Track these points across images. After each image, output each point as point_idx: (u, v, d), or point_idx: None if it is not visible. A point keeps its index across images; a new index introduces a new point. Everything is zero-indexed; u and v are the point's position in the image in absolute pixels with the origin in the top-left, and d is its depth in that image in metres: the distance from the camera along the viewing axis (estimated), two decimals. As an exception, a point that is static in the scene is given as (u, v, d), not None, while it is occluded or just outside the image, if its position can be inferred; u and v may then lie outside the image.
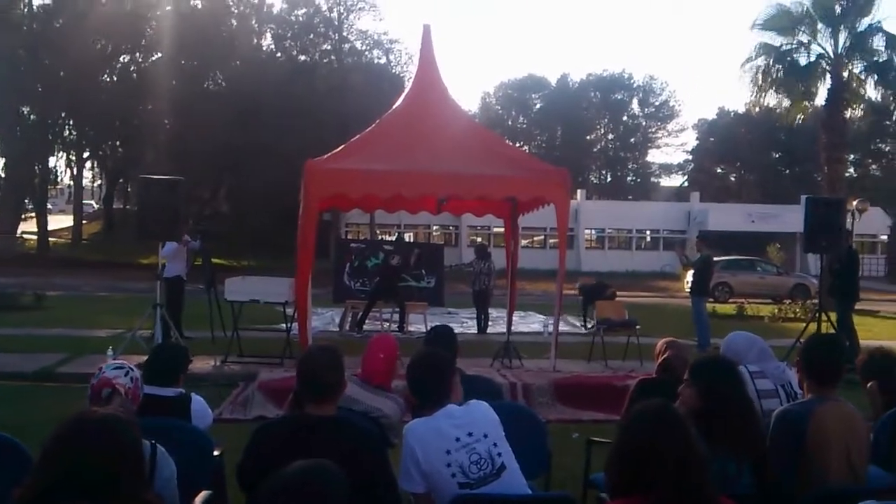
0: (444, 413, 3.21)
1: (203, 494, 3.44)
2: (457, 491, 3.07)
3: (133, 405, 3.36)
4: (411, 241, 38.10)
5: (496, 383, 5.23)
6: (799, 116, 25.78)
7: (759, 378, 4.48)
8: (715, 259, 14.93)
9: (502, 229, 15.44)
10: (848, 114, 26.07)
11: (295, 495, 2.02)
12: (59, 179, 44.57)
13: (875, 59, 23.97)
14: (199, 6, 39.40)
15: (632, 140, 69.42)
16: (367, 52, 44.39)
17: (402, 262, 14.70)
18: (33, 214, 39.69)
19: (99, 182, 50.61)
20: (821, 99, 24.92)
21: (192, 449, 3.57)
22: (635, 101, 69.57)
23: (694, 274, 13.80)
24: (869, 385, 4.24)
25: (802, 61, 24.39)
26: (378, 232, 38.44)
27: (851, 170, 52.53)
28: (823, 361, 3.84)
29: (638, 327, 11.81)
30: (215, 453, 3.95)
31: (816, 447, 3.44)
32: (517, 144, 60.28)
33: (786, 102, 25.12)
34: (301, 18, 43.43)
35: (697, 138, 68.01)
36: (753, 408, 3.54)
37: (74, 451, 2.04)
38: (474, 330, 15.06)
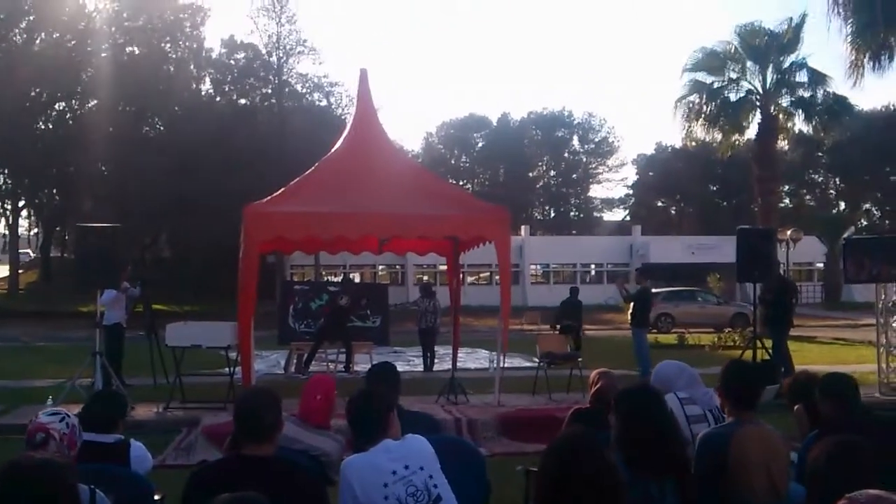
0: (381, 448, 3.28)
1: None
2: (395, 524, 3.13)
3: (70, 451, 3.37)
4: (357, 281, 38.09)
5: (435, 418, 5.31)
6: (730, 150, 26.69)
7: (689, 404, 4.62)
8: (656, 291, 15.29)
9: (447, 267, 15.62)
10: (779, 146, 27.03)
11: None
12: (-7, 229, 43.54)
13: (801, 93, 25.04)
14: (136, 52, 39.13)
15: (573, 176, 70.55)
16: (307, 95, 44.51)
17: (350, 303, 14.69)
18: (-33, 265, 38.72)
19: (35, 230, 49.57)
20: (752, 133, 25.92)
21: (132, 493, 3.56)
22: (576, 138, 70.86)
23: (633, 306, 14.06)
24: (795, 408, 4.43)
25: (733, 97, 25.36)
26: (323, 273, 38.28)
27: (787, 200, 54.22)
28: (741, 386, 4.02)
29: (580, 360, 11.99)
30: (156, 497, 3.94)
31: (738, 468, 3.56)
32: (460, 183, 60.94)
33: (718, 136, 25.94)
34: (241, 62, 43.45)
35: (637, 173, 69.43)
36: (674, 431, 3.64)
37: (9, 495, 2.07)
38: (421, 368, 15.10)
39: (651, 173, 65.70)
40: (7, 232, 45.35)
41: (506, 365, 11.18)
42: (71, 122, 38.24)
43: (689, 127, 25.32)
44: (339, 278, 39.23)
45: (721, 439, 3.69)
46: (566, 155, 70.64)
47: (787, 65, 24.89)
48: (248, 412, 3.24)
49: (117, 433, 4.11)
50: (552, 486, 2.53)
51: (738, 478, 3.55)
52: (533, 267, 46.41)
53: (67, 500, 2.20)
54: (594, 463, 2.53)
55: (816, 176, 61.62)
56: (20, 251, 46.86)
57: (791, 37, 24.49)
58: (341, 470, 3.28)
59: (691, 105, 25.13)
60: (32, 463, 2.20)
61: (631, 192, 70.37)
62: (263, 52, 42.28)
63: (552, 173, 71.51)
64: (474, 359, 16.86)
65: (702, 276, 38.00)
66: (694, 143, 27.89)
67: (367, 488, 3.17)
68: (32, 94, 35.55)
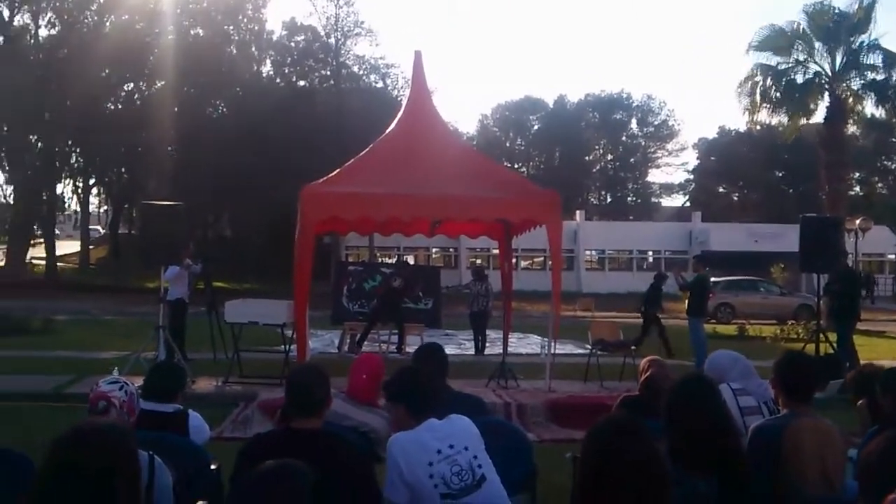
0: (426, 426, 3.34)
1: (200, 505, 3.58)
2: (440, 501, 3.19)
3: (129, 417, 3.51)
4: (411, 263, 38.33)
5: (482, 400, 5.34)
6: (795, 134, 25.95)
7: (743, 395, 4.55)
8: (716, 280, 14.97)
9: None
10: (849, 131, 26.15)
11: (263, 491, 2.16)
12: (66, 206, 44.95)
13: (872, 76, 24.13)
14: (201, 34, 39.88)
15: (631, 160, 69.51)
16: (364, 77, 44.83)
17: (403, 285, 14.79)
18: (42, 240, 40.06)
19: (105, 208, 51.06)
20: (820, 116, 25.10)
21: (189, 462, 3.69)
22: (634, 121, 69.77)
23: (690, 295, 13.78)
24: (858, 403, 4.34)
25: (799, 79, 24.51)
26: (378, 254, 38.60)
27: (857, 188, 52.33)
28: (795, 378, 3.93)
29: (633, 348, 11.89)
30: (212, 467, 4.08)
31: (791, 459, 3.52)
32: (515, 166, 60.58)
33: (784, 120, 25.25)
34: (300, 44, 43.91)
35: (698, 157, 68.12)
36: (729, 423, 3.52)
37: (73, 459, 2.18)
38: (472, 351, 15.15)
39: (713, 158, 64.33)
40: (79, 209, 46.75)
41: (557, 351, 11.14)
42: (139, 102, 39.19)
43: (754, 110, 24.70)
44: (393, 260, 39.55)
45: (774, 431, 3.65)
46: (624, 138, 69.61)
47: (857, 46, 23.95)
48: (300, 387, 3.35)
49: (176, 403, 4.25)
50: (594, 472, 2.46)
51: (791, 469, 3.51)
52: (588, 253, 45.99)
53: (128, 465, 2.29)
54: (640, 449, 2.45)
55: (889, 163, 59.27)
56: (91, 227, 48.35)
57: (862, 16, 23.50)
58: (388, 446, 3.34)
59: (755, 87, 24.46)
60: (95, 428, 2.30)
61: (691, 177, 69.14)
62: (322, 33, 42.71)
63: (609, 157, 70.59)
64: (526, 344, 16.84)
65: (764, 266, 37.15)
66: (758, 127, 27.20)
67: (412, 466, 3.22)
68: (103, 74, 36.43)
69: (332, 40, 42.07)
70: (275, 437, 3.44)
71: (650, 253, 46.67)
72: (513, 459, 4.07)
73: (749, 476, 3.28)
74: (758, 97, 24.39)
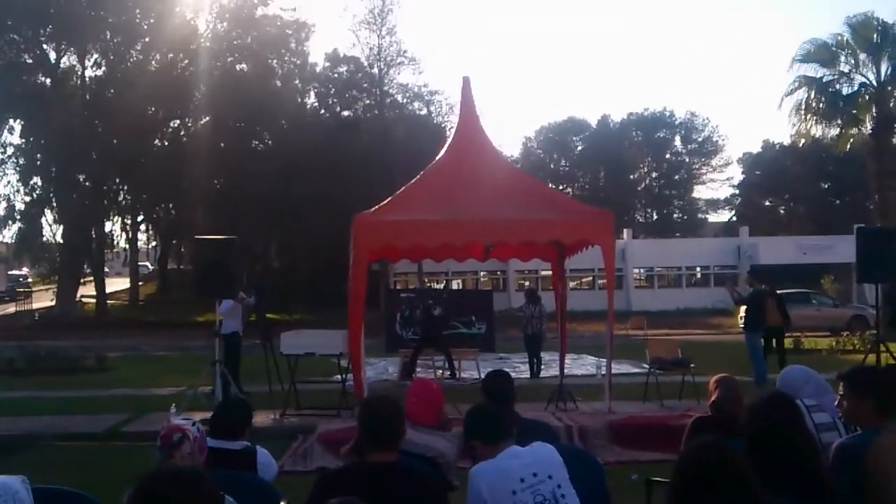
0: (508, 454, 3.28)
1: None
2: (523, 531, 3.12)
3: (200, 455, 3.47)
4: (460, 288, 38.33)
5: (552, 427, 5.28)
6: (847, 146, 25.60)
7: (817, 412, 4.44)
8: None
9: (550, 272, 15.48)
10: (896, 140, 25.79)
11: None
12: (115, 243, 45.75)
13: (920, 85, 23.86)
14: (245, 69, 40.57)
15: (676, 177, 68.96)
16: (408, 105, 45.14)
17: (443, 312, 14.72)
18: (91, 278, 40.61)
19: (153, 244, 51.89)
20: (868, 127, 24.78)
21: (259, 500, 3.65)
22: (678, 139, 69.28)
23: (746, 310, 13.68)
24: None
25: (845, 91, 24.38)
26: (426, 280, 38.65)
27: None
28: (880, 391, 3.78)
29: (692, 366, 11.70)
30: (282, 504, 4.04)
31: (877, 478, 3.41)
32: (560, 187, 60.43)
33: (831, 132, 25.02)
34: (343, 75, 44.41)
35: (743, 172, 67.33)
36: (815, 446, 3.42)
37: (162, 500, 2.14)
38: (527, 374, 15.04)
39: (758, 172, 63.51)
40: (127, 246, 47.64)
41: (614, 371, 11.03)
42: (185, 138, 39.83)
43: (801, 123, 24.48)
44: (442, 285, 39.60)
45: (859, 449, 3.49)
46: (668, 156, 69.15)
47: (902, 56, 23.72)
48: (378, 420, 3.30)
49: (243, 440, 4.20)
50: (688, 491, 2.42)
51: (877, 488, 3.39)
52: (636, 271, 45.59)
53: None
54: (735, 470, 2.41)
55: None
56: (139, 264, 49.19)
57: (905, 27, 23.36)
58: (471, 476, 3.29)
59: (801, 100, 24.30)
60: (179, 471, 2.27)
61: (737, 191, 68.26)
62: (365, 64, 43.17)
63: (654, 175, 70.11)
64: (580, 365, 16.68)
65: (814, 278, 36.51)
66: (804, 140, 26.89)
67: (496, 494, 3.17)
68: (149, 112, 37.18)
69: (376, 70, 42.55)
70: (351, 471, 3.38)
71: (698, 269, 46.09)
72: (587, 485, 3.97)
73: (835, 497, 3.17)
74: (803, 110, 24.18)
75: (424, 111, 45.01)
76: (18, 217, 37.33)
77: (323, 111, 44.19)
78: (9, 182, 37.23)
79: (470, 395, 7.31)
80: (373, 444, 3.28)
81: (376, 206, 10.56)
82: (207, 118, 38.84)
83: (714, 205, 71.13)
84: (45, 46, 36.93)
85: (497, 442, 3.35)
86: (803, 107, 24.20)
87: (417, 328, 14.90)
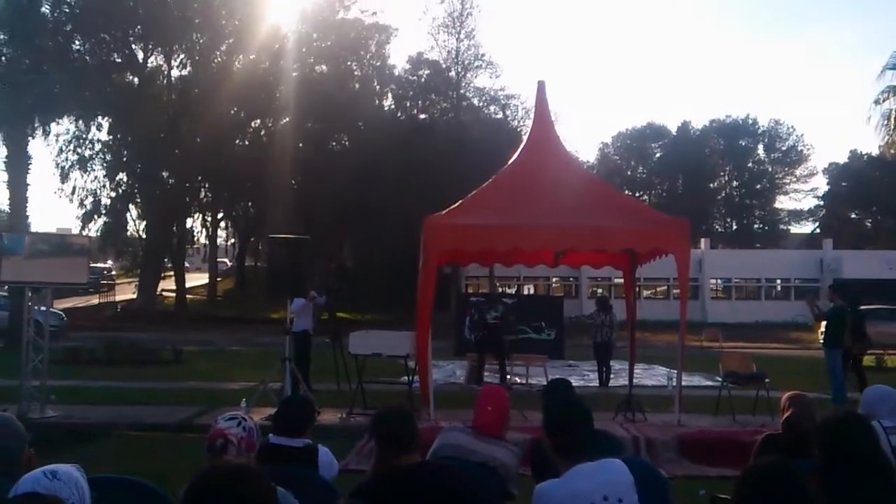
0: (578, 473, 3.11)
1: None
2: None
3: (249, 453, 3.46)
4: (531, 293, 38.12)
5: (618, 437, 5.15)
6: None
7: (895, 434, 4.26)
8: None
9: (622, 280, 15.28)
10: None
11: None
12: (195, 239, 46.96)
13: None
14: (325, 71, 41.19)
15: (758, 186, 67.28)
16: (484, 108, 45.14)
17: (500, 319, 14.64)
18: (172, 273, 41.89)
19: (232, 241, 53.16)
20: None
21: (319, 497, 3.66)
22: (761, 147, 67.69)
23: (826, 325, 13.23)
24: None
25: (937, 100, 23.38)
26: (497, 284, 38.55)
27: None
28: None
29: (767, 381, 11.35)
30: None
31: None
32: (636, 194, 59.62)
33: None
34: (422, 78, 44.70)
35: (829, 183, 65.33)
36: (887, 465, 3.26)
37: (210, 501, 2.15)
38: (596, 383, 14.86)
39: (844, 183, 61.54)
40: (207, 242, 48.88)
41: (685, 383, 10.78)
42: (265, 138, 40.65)
43: (890, 133, 23.59)
44: (513, 290, 39.42)
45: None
46: (750, 164, 67.54)
47: None
48: (393, 427, 3.42)
49: (306, 438, 4.25)
50: None
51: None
52: (713, 281, 44.58)
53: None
54: (798, 497, 2.33)
55: None
56: (218, 260, 50.44)
57: None
58: (538, 495, 3.16)
59: (891, 110, 23.43)
60: (230, 468, 2.27)
61: (821, 203, 66.23)
62: (443, 67, 43.34)
63: (735, 184, 68.56)
64: (651, 375, 16.39)
65: (900, 294, 35.11)
66: (893, 151, 25.92)
67: (564, 516, 3.05)
68: (232, 112, 38.07)
69: (453, 73, 42.72)
70: (386, 475, 3.38)
71: (779, 282, 44.83)
72: (652, 501, 3.86)
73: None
74: (892, 120, 23.30)
75: (500, 115, 44.94)
76: (104, 211, 38.55)
77: (399, 114, 44.54)
78: (96, 177, 38.20)
79: (536, 401, 7.23)
80: (394, 448, 3.34)
81: (447, 209, 10.55)
82: (287, 119, 39.52)
83: (797, 216, 69.26)
84: (133, 46, 38.10)
85: (567, 458, 3.21)
86: (892, 116, 23.34)
87: (476, 334, 14.89)
